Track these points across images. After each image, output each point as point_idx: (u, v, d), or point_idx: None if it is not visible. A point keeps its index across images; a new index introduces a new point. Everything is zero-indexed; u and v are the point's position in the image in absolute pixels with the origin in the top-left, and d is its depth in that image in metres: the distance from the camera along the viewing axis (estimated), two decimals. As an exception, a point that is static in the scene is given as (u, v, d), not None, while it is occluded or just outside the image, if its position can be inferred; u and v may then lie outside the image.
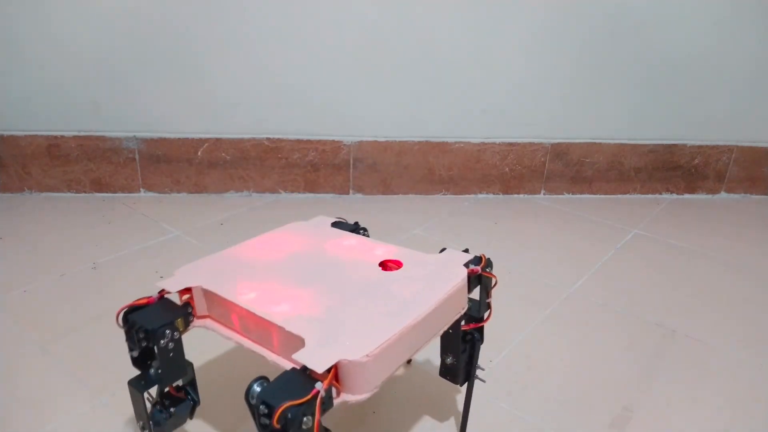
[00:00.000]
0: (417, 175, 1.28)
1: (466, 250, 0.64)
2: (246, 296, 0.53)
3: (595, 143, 1.29)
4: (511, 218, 1.22)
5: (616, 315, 0.91)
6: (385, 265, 0.60)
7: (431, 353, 0.81)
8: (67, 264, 0.99)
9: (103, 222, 1.13)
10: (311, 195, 1.28)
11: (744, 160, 1.34)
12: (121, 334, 0.82)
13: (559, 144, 1.28)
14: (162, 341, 0.52)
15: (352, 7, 1.13)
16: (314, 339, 0.47)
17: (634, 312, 0.91)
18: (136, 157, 1.22)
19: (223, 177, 1.25)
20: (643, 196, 1.35)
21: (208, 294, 0.55)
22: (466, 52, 1.19)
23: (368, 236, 0.68)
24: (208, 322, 0.56)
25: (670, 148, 1.31)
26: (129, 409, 0.70)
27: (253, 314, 0.51)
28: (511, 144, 1.27)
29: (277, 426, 0.41)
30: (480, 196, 1.32)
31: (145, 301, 0.54)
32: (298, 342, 0.48)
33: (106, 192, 1.24)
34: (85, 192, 1.24)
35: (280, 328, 0.49)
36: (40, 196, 1.23)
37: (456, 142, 1.26)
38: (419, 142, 1.25)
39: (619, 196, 1.35)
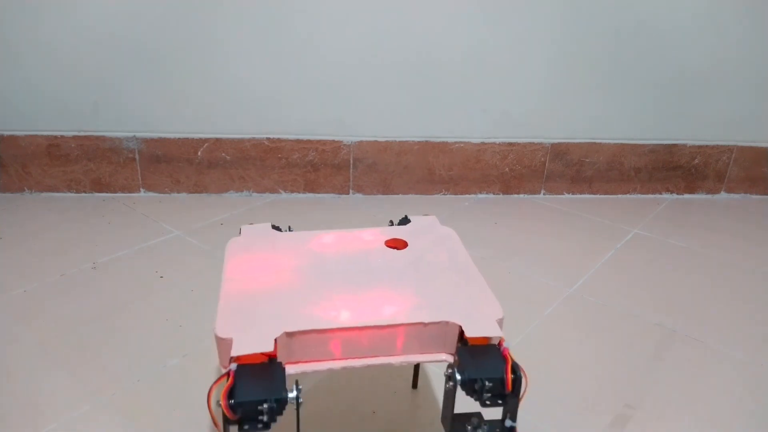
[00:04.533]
0: (417, 175, 1.28)
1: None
2: (340, 317, 0.49)
3: (595, 143, 1.29)
4: (511, 218, 1.22)
5: (616, 315, 0.91)
6: (392, 245, 0.61)
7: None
8: (67, 264, 0.99)
9: (103, 222, 1.13)
10: (311, 195, 1.28)
11: (744, 160, 1.34)
12: (121, 334, 0.83)
13: (559, 144, 1.28)
14: (282, 411, 0.44)
15: (352, 6, 1.13)
16: (462, 317, 0.49)
17: (634, 312, 0.91)
18: (136, 157, 1.22)
19: (223, 177, 1.25)
20: (643, 196, 1.35)
21: (296, 336, 0.48)
22: (466, 52, 1.19)
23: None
24: (298, 367, 0.48)
25: (670, 148, 1.31)
26: (129, 409, 0.70)
27: (370, 328, 0.48)
28: (511, 144, 1.27)
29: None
30: (480, 196, 1.32)
31: (225, 377, 0.44)
32: (442, 329, 0.49)
33: (106, 192, 1.24)
34: (85, 192, 1.24)
35: (415, 326, 0.49)
36: (40, 196, 1.23)
37: (456, 142, 1.26)
38: (419, 142, 1.25)
39: (619, 196, 1.35)
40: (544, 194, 1.33)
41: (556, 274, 1.01)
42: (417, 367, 0.73)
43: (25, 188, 1.23)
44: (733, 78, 1.26)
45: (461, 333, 0.49)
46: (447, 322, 0.49)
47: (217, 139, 1.22)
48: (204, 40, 1.14)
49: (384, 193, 1.29)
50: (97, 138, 1.20)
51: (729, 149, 1.33)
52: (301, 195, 1.28)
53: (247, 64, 1.16)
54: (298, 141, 1.23)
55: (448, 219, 1.20)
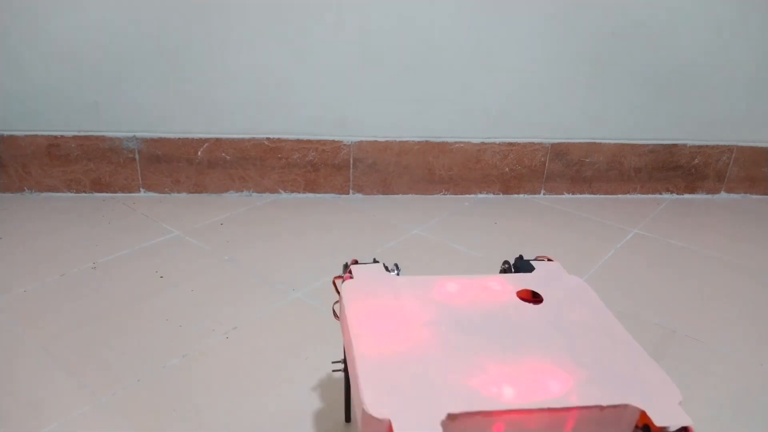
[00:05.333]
0: (417, 175, 1.28)
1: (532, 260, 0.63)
2: (503, 395, 0.44)
3: (595, 143, 1.29)
4: (511, 218, 1.22)
5: (616, 315, 0.90)
6: (524, 297, 0.56)
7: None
8: (67, 264, 0.99)
9: (103, 222, 1.13)
10: (311, 195, 1.28)
11: (744, 160, 1.34)
12: (121, 334, 0.83)
13: (559, 144, 1.28)
14: None
15: (352, 6, 1.13)
16: (642, 399, 0.44)
17: (634, 312, 0.91)
18: (136, 157, 1.22)
19: (223, 177, 1.25)
20: (643, 196, 1.35)
21: (458, 418, 0.42)
22: (466, 52, 1.19)
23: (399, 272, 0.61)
24: None
25: (670, 148, 1.31)
26: (129, 409, 0.70)
27: (540, 411, 0.43)
28: (511, 144, 1.27)
29: None
30: (480, 196, 1.32)
31: None
32: (619, 413, 0.44)
33: (106, 192, 1.24)
34: (85, 192, 1.24)
35: (591, 409, 0.43)
36: (40, 196, 1.23)
37: (456, 142, 1.26)
38: (419, 142, 1.25)
39: (619, 196, 1.35)
40: (544, 194, 1.33)
41: (556, 274, 1.01)
42: (348, 401, 0.68)
43: (25, 188, 1.23)
44: (733, 78, 1.26)
45: (639, 418, 0.44)
46: (626, 406, 0.44)
47: (217, 139, 1.22)
48: (204, 40, 1.14)
49: (384, 193, 1.29)
50: (97, 138, 1.20)
51: (729, 149, 1.33)
52: (301, 195, 1.28)
53: (247, 64, 1.16)
54: (298, 141, 1.23)
55: (448, 219, 1.20)
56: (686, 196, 1.36)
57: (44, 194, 1.23)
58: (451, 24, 1.16)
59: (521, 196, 1.33)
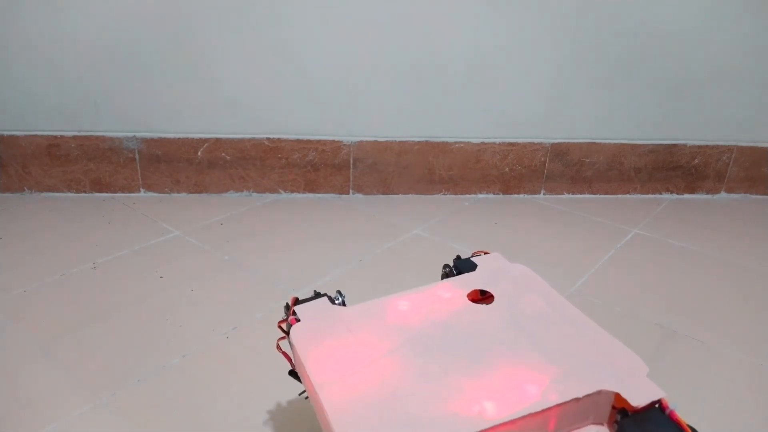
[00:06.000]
0: (417, 175, 1.28)
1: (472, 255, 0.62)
2: (486, 411, 0.43)
3: (595, 143, 1.29)
4: (511, 218, 1.22)
5: (616, 315, 0.91)
6: (475, 299, 0.56)
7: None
8: (67, 264, 0.99)
9: (103, 222, 1.13)
10: (311, 195, 1.28)
11: (744, 160, 1.34)
12: (121, 334, 0.82)
13: (559, 144, 1.28)
14: None
15: (352, 6, 1.13)
16: (613, 381, 0.45)
17: (634, 312, 0.91)
18: (136, 157, 1.22)
19: (223, 177, 1.25)
20: (643, 196, 1.35)
21: None
22: (466, 52, 1.19)
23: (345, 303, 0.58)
24: None
25: (670, 148, 1.31)
26: (129, 409, 0.70)
27: (524, 419, 0.43)
28: (511, 144, 1.27)
29: None
30: (480, 196, 1.32)
31: None
32: (594, 400, 0.44)
33: (106, 192, 1.24)
34: (85, 192, 1.24)
35: (569, 403, 0.44)
36: (40, 196, 1.23)
37: (456, 142, 1.26)
38: (419, 142, 1.25)
39: (619, 196, 1.35)
40: (544, 194, 1.33)
41: (556, 274, 1.01)
42: None
43: (25, 188, 1.23)
44: (732, 78, 1.26)
45: (615, 400, 0.45)
46: (600, 392, 0.44)
47: (217, 139, 1.22)
48: (204, 39, 1.14)
49: (384, 193, 1.29)
50: (97, 138, 1.20)
51: (729, 149, 1.32)
52: (301, 195, 1.28)
53: (247, 64, 1.16)
54: (298, 141, 1.23)
55: (448, 219, 1.20)
56: (686, 196, 1.36)
57: (44, 194, 1.23)
58: (451, 24, 1.16)
59: (521, 196, 1.33)
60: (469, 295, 0.56)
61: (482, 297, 0.58)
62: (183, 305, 0.89)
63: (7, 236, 1.07)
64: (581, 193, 1.34)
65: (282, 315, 0.59)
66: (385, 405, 0.44)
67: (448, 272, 0.62)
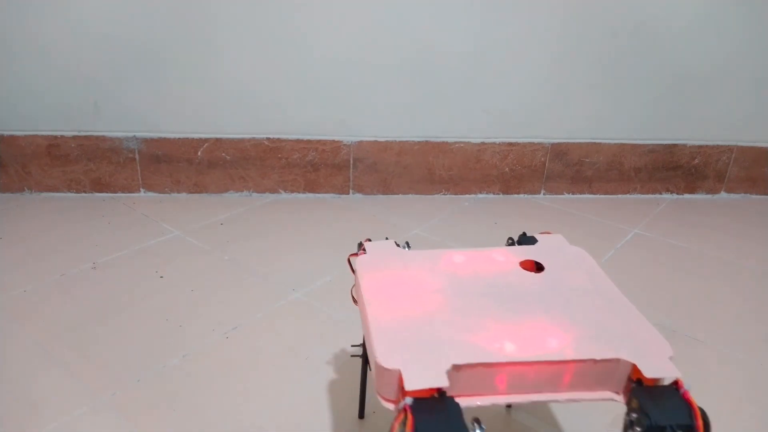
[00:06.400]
0: (417, 175, 1.28)
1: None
2: (505, 349, 0.47)
3: (595, 143, 1.29)
4: (511, 218, 1.22)
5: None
6: (526, 267, 0.59)
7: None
8: (67, 264, 0.99)
9: (103, 222, 1.13)
10: (311, 195, 1.28)
11: (744, 160, 1.34)
12: (121, 334, 0.82)
13: (559, 144, 1.28)
14: None
15: (352, 6, 1.13)
16: (634, 353, 0.46)
17: (634, 312, 0.91)
18: (136, 157, 1.22)
19: (223, 177, 1.25)
20: (643, 196, 1.35)
21: (462, 369, 0.46)
22: (466, 52, 1.19)
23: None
24: (461, 400, 0.45)
25: (670, 148, 1.31)
26: (129, 409, 0.70)
27: (538, 363, 0.46)
28: (511, 144, 1.27)
29: None
30: (480, 196, 1.32)
31: (403, 414, 0.42)
32: (612, 366, 0.46)
33: (106, 192, 1.24)
34: (85, 192, 1.24)
35: (586, 362, 0.46)
36: (40, 196, 1.23)
37: (456, 142, 1.26)
38: (419, 142, 1.25)
39: (619, 196, 1.35)
40: (544, 194, 1.33)
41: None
42: (363, 392, 0.69)
43: (25, 188, 1.23)
44: (733, 78, 1.26)
45: (632, 371, 0.46)
46: (618, 360, 0.46)
47: (217, 139, 1.22)
48: (204, 39, 1.14)
49: (384, 193, 1.29)
50: (97, 138, 1.20)
51: (729, 149, 1.33)
52: (301, 195, 1.28)
53: (247, 64, 1.16)
54: (298, 141, 1.23)
55: (448, 219, 1.20)
56: (686, 196, 1.36)
57: (44, 194, 1.23)
58: (451, 24, 1.16)
59: (521, 196, 1.33)
60: (522, 264, 0.60)
61: (536, 270, 0.61)
62: (183, 305, 0.89)
63: (7, 236, 1.07)
64: (581, 193, 1.34)
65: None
66: (418, 326, 0.49)
67: (510, 244, 0.67)
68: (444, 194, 1.31)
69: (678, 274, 1.03)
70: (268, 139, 1.22)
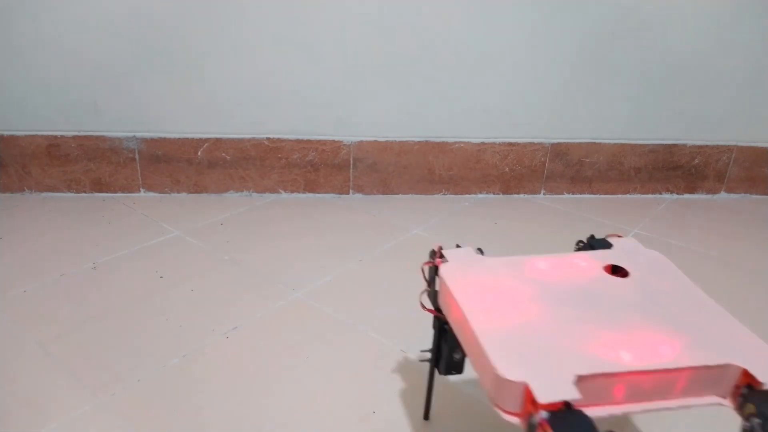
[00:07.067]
0: (417, 175, 1.28)
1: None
2: (622, 359, 0.47)
3: (595, 143, 1.29)
4: (511, 218, 1.22)
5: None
6: (612, 271, 0.59)
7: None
8: (67, 264, 0.99)
9: (103, 222, 1.13)
10: (311, 195, 1.28)
11: (744, 160, 1.34)
12: (121, 334, 0.82)
13: (559, 144, 1.28)
14: None
15: (352, 7, 1.13)
16: (744, 358, 0.47)
17: (634, 312, 0.91)
18: (136, 157, 1.22)
19: (223, 177, 1.25)
20: (643, 196, 1.35)
21: (584, 380, 0.45)
22: (466, 52, 1.19)
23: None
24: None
25: (670, 148, 1.31)
26: (129, 409, 0.70)
27: (655, 372, 0.46)
28: (511, 144, 1.27)
29: None
30: (480, 196, 1.32)
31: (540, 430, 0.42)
32: (722, 372, 0.47)
33: (106, 192, 1.24)
34: (85, 192, 1.24)
35: (699, 369, 0.47)
36: (40, 196, 1.23)
37: (456, 142, 1.26)
38: (419, 142, 1.25)
39: (619, 196, 1.35)
40: (544, 194, 1.33)
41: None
42: (429, 395, 0.69)
43: (25, 188, 1.23)
44: (732, 77, 1.26)
45: (742, 376, 0.47)
46: (729, 365, 0.47)
47: (217, 139, 1.22)
48: (204, 40, 1.14)
49: (384, 193, 1.29)
50: (97, 138, 1.20)
51: (729, 149, 1.33)
52: (301, 195, 1.28)
53: (247, 64, 1.16)
54: (298, 141, 1.23)
55: (448, 219, 1.20)
56: (686, 196, 1.36)
57: (44, 194, 1.23)
58: (451, 24, 1.16)
59: (521, 196, 1.33)
60: (606, 269, 0.60)
61: (615, 274, 0.60)
62: (183, 305, 0.89)
63: (7, 236, 1.07)
64: (581, 193, 1.34)
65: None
66: (529, 336, 0.48)
67: (581, 247, 0.66)
68: (444, 194, 1.31)
69: (678, 274, 1.03)
70: (268, 139, 1.22)
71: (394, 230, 1.14)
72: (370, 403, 0.71)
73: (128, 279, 0.95)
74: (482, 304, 0.53)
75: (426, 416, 0.69)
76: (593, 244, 0.65)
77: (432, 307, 0.62)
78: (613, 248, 0.64)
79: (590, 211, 1.26)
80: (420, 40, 1.17)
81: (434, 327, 0.62)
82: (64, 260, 1.00)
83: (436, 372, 0.64)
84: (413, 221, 1.18)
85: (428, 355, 0.65)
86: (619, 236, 0.66)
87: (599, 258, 0.61)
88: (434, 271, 0.60)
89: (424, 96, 1.22)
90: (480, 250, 0.63)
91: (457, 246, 0.64)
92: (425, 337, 0.83)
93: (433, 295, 0.62)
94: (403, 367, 0.78)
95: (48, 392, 0.71)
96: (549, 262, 0.60)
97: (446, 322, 0.59)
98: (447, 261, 0.60)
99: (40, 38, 1.12)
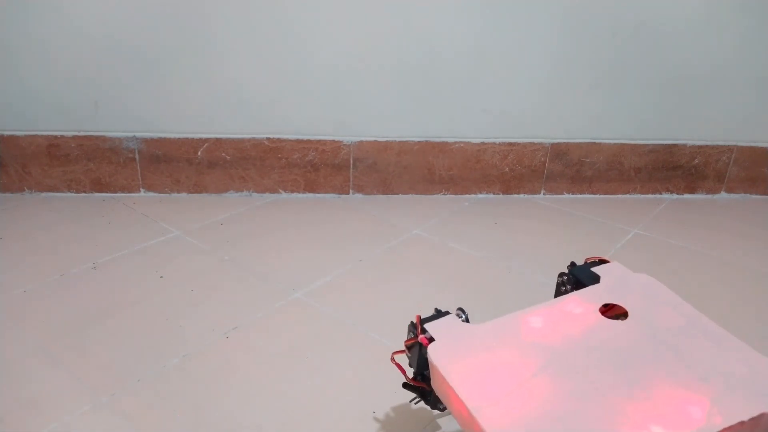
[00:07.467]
0: (417, 175, 1.28)
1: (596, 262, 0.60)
2: None
3: (595, 143, 1.29)
4: (511, 218, 1.22)
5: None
6: (606, 313, 0.56)
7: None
8: (67, 264, 0.99)
9: (103, 222, 1.13)
10: (311, 195, 1.28)
11: (744, 160, 1.34)
12: (121, 334, 0.82)
13: (559, 144, 1.28)
14: None
15: (353, 7, 1.13)
16: None
17: (634, 312, 0.91)
18: (136, 157, 1.22)
19: (223, 177, 1.25)
20: (643, 196, 1.35)
21: None
22: (466, 52, 1.19)
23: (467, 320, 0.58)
24: None
25: (670, 148, 1.31)
26: (129, 409, 0.70)
27: None
28: (511, 144, 1.27)
29: None
30: (480, 196, 1.32)
31: None
32: (757, 422, 0.45)
33: (106, 192, 1.24)
34: (85, 192, 1.24)
35: (734, 427, 0.44)
36: (40, 196, 1.23)
37: (456, 142, 1.26)
38: (419, 142, 1.25)
39: (619, 196, 1.35)
40: (544, 194, 1.33)
41: (556, 274, 1.01)
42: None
43: (25, 188, 1.23)
44: (733, 78, 1.26)
45: None
46: (763, 414, 0.45)
47: (217, 139, 1.22)
48: (204, 39, 1.14)
49: (384, 193, 1.29)
50: (97, 138, 1.20)
51: (729, 149, 1.33)
52: (301, 195, 1.28)
53: (247, 64, 1.16)
54: (298, 141, 1.23)
55: (448, 219, 1.20)
56: (686, 196, 1.36)
57: (44, 194, 1.23)
58: (451, 24, 1.16)
59: (521, 196, 1.33)
60: (602, 312, 0.56)
61: (608, 310, 0.57)
62: (183, 305, 0.89)
63: (7, 236, 1.07)
64: (581, 193, 1.34)
65: (393, 349, 0.58)
66: (549, 428, 0.44)
67: (566, 281, 0.61)
68: (444, 194, 1.31)
69: (678, 274, 1.03)
70: (268, 139, 1.22)
71: (394, 230, 1.14)
72: (370, 403, 0.71)
73: (128, 279, 0.95)
74: (486, 394, 0.47)
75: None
76: (577, 275, 0.61)
77: (413, 377, 0.56)
78: (601, 281, 0.60)
79: (590, 211, 1.26)
80: (420, 40, 1.17)
81: (413, 391, 0.58)
82: (64, 260, 1.00)
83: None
84: (413, 221, 1.18)
85: (418, 400, 0.60)
86: (602, 259, 0.62)
87: (591, 298, 0.57)
88: (418, 349, 0.54)
89: (424, 96, 1.22)
90: (462, 311, 0.57)
91: (437, 311, 0.57)
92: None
93: (418, 369, 0.56)
94: (403, 368, 0.78)
95: (48, 392, 0.71)
96: (542, 316, 0.55)
97: (430, 391, 0.55)
98: (432, 338, 0.54)
99: (39, 39, 1.12)
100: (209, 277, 0.96)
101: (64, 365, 0.76)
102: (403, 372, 0.57)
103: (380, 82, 1.20)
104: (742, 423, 0.44)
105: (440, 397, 0.53)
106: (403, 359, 0.59)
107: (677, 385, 0.47)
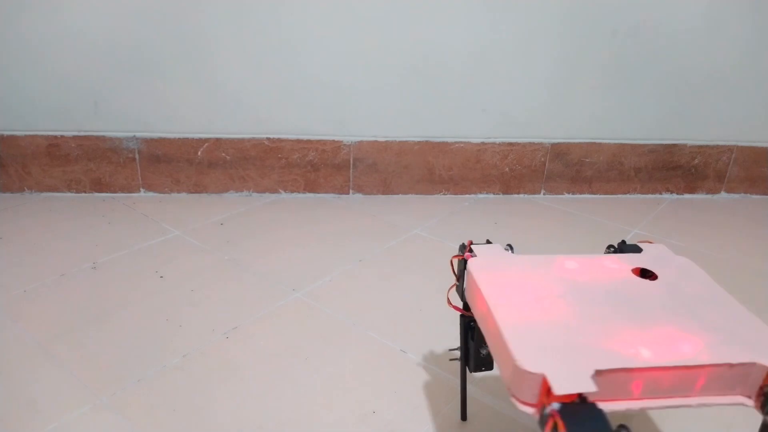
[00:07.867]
0: (417, 175, 1.28)
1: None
2: (641, 355, 0.47)
3: (595, 143, 1.29)
4: (511, 218, 1.22)
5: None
6: (638, 275, 0.59)
7: (431, 348, 0.81)
8: (67, 264, 0.99)
9: (103, 222, 1.13)
10: (311, 195, 1.28)
11: (744, 160, 1.34)
12: (121, 334, 0.83)
13: (559, 144, 1.28)
14: None
15: (353, 7, 1.13)
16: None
17: (634, 312, 0.91)
18: (136, 157, 1.22)
19: (223, 177, 1.25)
20: (643, 196, 1.35)
21: (603, 374, 0.46)
22: (466, 52, 1.19)
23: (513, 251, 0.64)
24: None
25: (670, 148, 1.31)
26: (129, 409, 0.70)
27: (674, 368, 0.46)
28: (511, 144, 1.27)
29: None
30: (480, 196, 1.32)
31: (552, 421, 0.42)
32: (746, 371, 0.47)
33: (106, 192, 1.24)
34: (85, 192, 1.24)
35: (720, 367, 0.46)
36: (40, 196, 1.23)
37: (456, 142, 1.26)
38: (419, 142, 1.25)
39: (619, 196, 1.35)
40: (544, 194, 1.33)
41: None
42: (464, 395, 0.69)
43: (25, 188, 1.23)
44: (733, 78, 1.26)
45: (766, 376, 0.47)
46: (754, 363, 0.47)
47: (217, 139, 1.22)
48: (204, 39, 1.14)
49: (384, 193, 1.29)
50: (97, 138, 1.20)
51: (729, 149, 1.33)
52: (301, 195, 1.28)
53: (247, 64, 1.16)
54: (298, 141, 1.23)
55: (448, 219, 1.20)
56: (686, 196, 1.36)
57: (44, 194, 1.23)
58: (451, 24, 1.16)
59: (521, 196, 1.33)
60: (634, 271, 0.60)
61: (641, 274, 0.61)
62: (183, 305, 0.89)
63: (7, 236, 1.07)
64: (581, 193, 1.34)
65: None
66: (551, 330, 0.49)
67: (612, 252, 0.66)
68: (444, 194, 1.31)
69: (678, 274, 1.03)
70: (268, 139, 1.22)
71: (394, 230, 1.14)
72: (370, 403, 0.71)
73: (128, 279, 0.95)
74: (507, 299, 0.54)
75: (463, 417, 0.69)
76: (623, 248, 0.66)
77: (460, 304, 0.62)
78: (642, 252, 0.64)
79: (590, 211, 1.26)
80: (420, 40, 1.17)
81: (461, 325, 0.63)
82: (64, 260, 1.00)
83: (468, 371, 0.65)
84: (413, 221, 1.18)
85: (457, 354, 0.65)
86: (650, 242, 0.67)
87: (629, 261, 0.62)
88: (463, 264, 0.61)
89: (424, 96, 1.22)
90: (510, 247, 0.63)
91: (488, 241, 0.64)
92: (425, 337, 0.83)
93: (461, 292, 0.62)
94: (403, 367, 0.78)
95: (48, 392, 0.71)
96: (578, 262, 0.61)
97: (472, 320, 0.60)
98: (476, 256, 0.61)
99: (39, 38, 1.12)
100: (209, 277, 0.96)
101: (64, 365, 0.76)
102: (455, 307, 0.63)
103: (380, 82, 1.20)
104: (729, 365, 0.46)
105: (469, 303, 0.59)
106: (454, 297, 0.64)
107: (678, 329, 0.51)
